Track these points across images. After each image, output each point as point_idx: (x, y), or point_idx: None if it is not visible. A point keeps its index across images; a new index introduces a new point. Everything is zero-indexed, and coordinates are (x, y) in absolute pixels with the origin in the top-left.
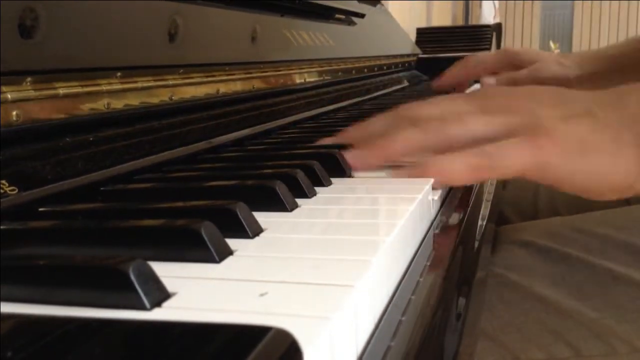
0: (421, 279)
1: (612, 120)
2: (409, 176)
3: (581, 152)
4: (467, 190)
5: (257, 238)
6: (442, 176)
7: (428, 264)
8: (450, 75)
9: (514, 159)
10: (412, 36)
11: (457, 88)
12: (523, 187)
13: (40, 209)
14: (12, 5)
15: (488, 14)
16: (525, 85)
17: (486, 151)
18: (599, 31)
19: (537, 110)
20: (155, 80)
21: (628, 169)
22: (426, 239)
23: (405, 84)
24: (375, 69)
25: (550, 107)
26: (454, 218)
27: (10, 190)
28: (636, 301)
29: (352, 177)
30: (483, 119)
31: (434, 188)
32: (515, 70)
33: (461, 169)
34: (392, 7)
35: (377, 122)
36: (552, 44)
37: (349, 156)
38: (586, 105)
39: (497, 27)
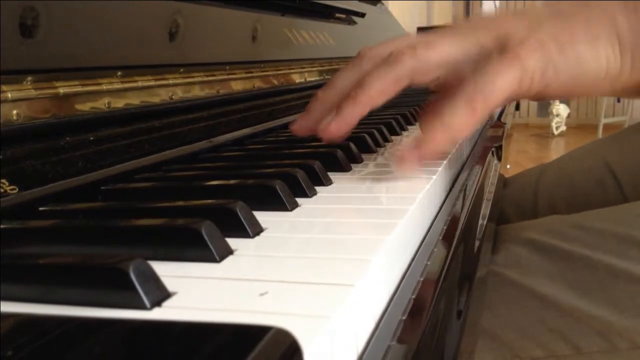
0: (422, 279)
1: (581, 15)
2: (419, 158)
3: (559, 48)
4: (467, 188)
5: (257, 237)
6: (451, 133)
7: (429, 263)
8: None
9: (500, 82)
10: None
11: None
12: (523, 186)
13: (41, 208)
14: (12, 5)
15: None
16: None
17: (474, 87)
18: None
19: (504, 24)
20: (155, 80)
21: (608, 56)
22: (427, 238)
23: None
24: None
25: (517, 19)
26: (455, 217)
27: (10, 190)
28: (636, 298)
29: (353, 175)
30: (453, 40)
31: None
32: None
33: (462, 116)
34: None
35: (343, 74)
36: None
37: (328, 126)
38: (552, 9)
39: None
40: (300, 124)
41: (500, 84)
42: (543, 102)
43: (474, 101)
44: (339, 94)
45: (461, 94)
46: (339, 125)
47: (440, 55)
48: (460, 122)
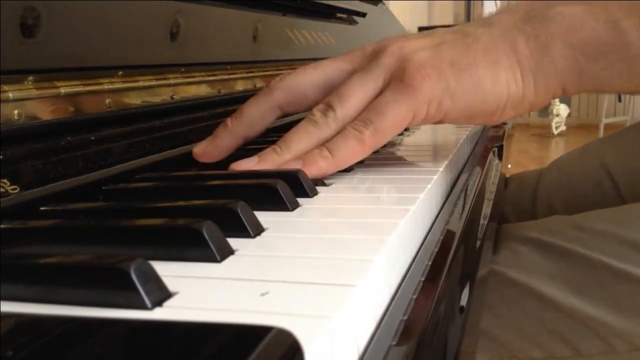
0: (423, 278)
1: (485, 35)
2: (294, 166)
3: (456, 75)
4: (468, 188)
5: (258, 237)
6: (330, 161)
7: (430, 263)
8: None
9: (391, 114)
10: None
11: None
12: (522, 186)
13: (42, 208)
14: (13, 4)
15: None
16: None
17: (367, 119)
18: None
19: (405, 48)
20: (156, 79)
21: (508, 82)
22: (428, 237)
23: None
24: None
25: (419, 41)
26: (456, 217)
27: (11, 189)
28: (636, 299)
29: (354, 175)
30: (357, 81)
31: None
32: None
33: (347, 145)
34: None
35: (251, 106)
36: None
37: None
38: (457, 29)
39: None
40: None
41: (392, 116)
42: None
43: (363, 133)
44: (248, 125)
45: (352, 124)
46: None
47: (355, 105)
48: (347, 153)
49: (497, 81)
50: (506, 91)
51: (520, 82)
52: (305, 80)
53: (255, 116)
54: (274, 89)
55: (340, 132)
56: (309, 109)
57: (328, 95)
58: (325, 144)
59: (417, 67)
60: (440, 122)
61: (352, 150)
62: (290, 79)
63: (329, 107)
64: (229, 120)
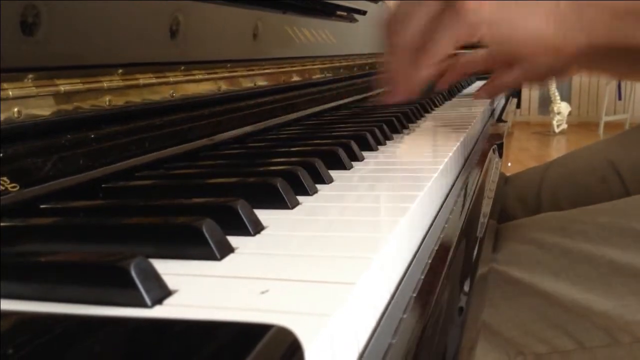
0: (423, 276)
1: None
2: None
3: (503, 5)
4: (468, 186)
5: (258, 235)
6: (410, 88)
7: (429, 261)
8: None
9: (446, 39)
10: None
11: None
12: (527, 183)
13: (42, 206)
14: (14, 3)
15: None
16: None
17: (425, 49)
18: None
19: None
20: (156, 77)
21: (548, 17)
22: (428, 236)
23: None
24: (377, 66)
25: None
26: (456, 215)
27: (11, 187)
28: (638, 291)
29: (354, 173)
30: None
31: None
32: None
33: (421, 73)
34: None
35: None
36: None
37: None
38: None
39: None
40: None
41: (446, 39)
42: (544, 100)
43: (425, 54)
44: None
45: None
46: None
47: (415, 28)
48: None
49: (535, 17)
50: (545, 26)
51: (555, 24)
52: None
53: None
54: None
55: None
56: None
57: None
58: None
59: None
60: (486, 41)
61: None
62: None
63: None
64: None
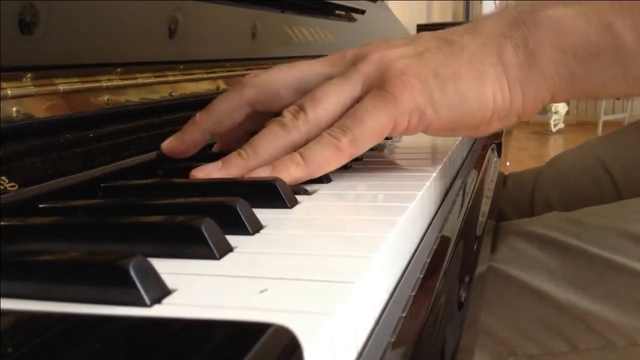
0: (421, 276)
1: (470, 43)
2: (264, 173)
3: (439, 85)
4: (466, 186)
5: (257, 235)
6: (302, 167)
7: (428, 260)
8: None
9: (371, 122)
10: (413, 32)
11: None
12: (521, 184)
13: (40, 205)
14: (12, 2)
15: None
16: None
17: (344, 126)
18: None
19: (386, 55)
20: (155, 77)
21: (495, 93)
22: (426, 235)
23: None
24: None
25: (401, 47)
26: (455, 214)
27: (10, 187)
28: (634, 293)
29: (353, 172)
30: (338, 88)
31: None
32: None
33: (322, 152)
34: (393, 4)
35: (220, 100)
36: None
37: (207, 174)
38: (441, 36)
39: None
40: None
41: (372, 124)
42: None
43: (340, 141)
44: (216, 120)
45: (329, 130)
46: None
47: (328, 109)
48: (321, 160)
49: (482, 93)
50: (492, 104)
51: (507, 94)
52: (279, 79)
53: (224, 112)
54: (246, 85)
55: (313, 138)
56: (282, 109)
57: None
58: (298, 149)
59: (398, 74)
60: (423, 132)
61: (328, 157)
62: (264, 76)
63: (301, 109)
64: (197, 115)
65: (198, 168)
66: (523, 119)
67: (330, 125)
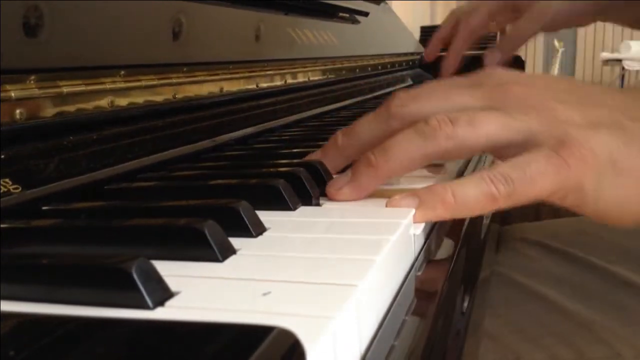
0: (425, 278)
1: None
2: (407, 206)
3: (613, 173)
4: None
5: (260, 237)
6: (450, 208)
7: (432, 262)
8: (439, 39)
9: (539, 185)
10: (416, 34)
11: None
12: None
13: (44, 208)
14: (16, 4)
15: None
16: (534, 76)
17: (509, 177)
18: (603, 29)
19: (559, 112)
20: (159, 79)
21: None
22: (430, 237)
23: (409, 82)
24: (379, 67)
25: (573, 109)
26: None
27: (13, 189)
28: None
29: None
30: (500, 120)
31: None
32: (513, 16)
33: (477, 197)
34: (396, 6)
35: (367, 125)
36: (556, 43)
37: (340, 191)
38: (612, 111)
39: None
40: None
41: (536, 188)
42: None
43: (500, 191)
44: (359, 147)
45: (490, 173)
46: (353, 193)
47: (481, 138)
48: (473, 205)
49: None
50: None
51: None
52: (431, 111)
53: (367, 139)
54: (393, 118)
55: (448, 158)
56: None
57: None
58: (450, 184)
59: (578, 146)
60: (567, 206)
61: (480, 203)
62: (413, 108)
63: (450, 121)
64: (339, 139)
65: (330, 184)
66: None
67: (466, 152)
